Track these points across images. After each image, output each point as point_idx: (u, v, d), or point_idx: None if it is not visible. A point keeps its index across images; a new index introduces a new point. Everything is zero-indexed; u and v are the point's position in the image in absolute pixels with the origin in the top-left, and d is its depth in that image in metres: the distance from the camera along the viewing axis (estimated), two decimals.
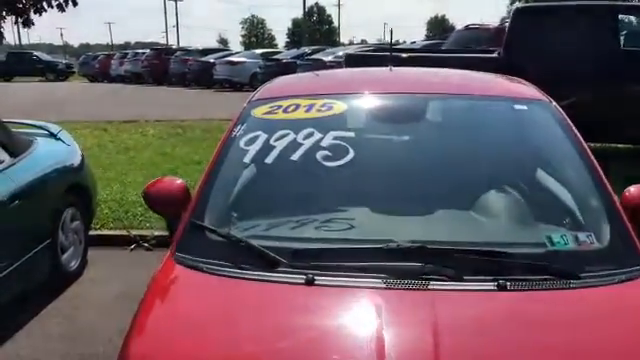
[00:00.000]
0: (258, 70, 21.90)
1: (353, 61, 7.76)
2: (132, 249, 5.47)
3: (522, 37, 7.58)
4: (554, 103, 2.52)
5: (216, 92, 22.85)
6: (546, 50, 7.30)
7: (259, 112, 2.47)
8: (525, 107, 2.47)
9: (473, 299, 1.71)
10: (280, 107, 2.46)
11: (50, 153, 4.73)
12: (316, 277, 1.78)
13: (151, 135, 10.47)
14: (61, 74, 35.97)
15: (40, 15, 11.44)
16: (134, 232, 5.61)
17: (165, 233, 5.65)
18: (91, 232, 5.32)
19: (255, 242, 1.91)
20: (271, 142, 2.28)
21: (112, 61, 33.33)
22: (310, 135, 2.28)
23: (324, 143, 2.25)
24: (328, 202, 2.18)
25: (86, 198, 5.03)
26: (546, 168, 2.30)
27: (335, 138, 2.27)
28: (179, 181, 2.43)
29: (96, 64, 34.82)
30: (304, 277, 1.78)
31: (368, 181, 2.22)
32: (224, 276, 1.84)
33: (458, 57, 8.08)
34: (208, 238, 2.00)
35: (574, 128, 2.36)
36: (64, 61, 41.32)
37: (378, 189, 2.21)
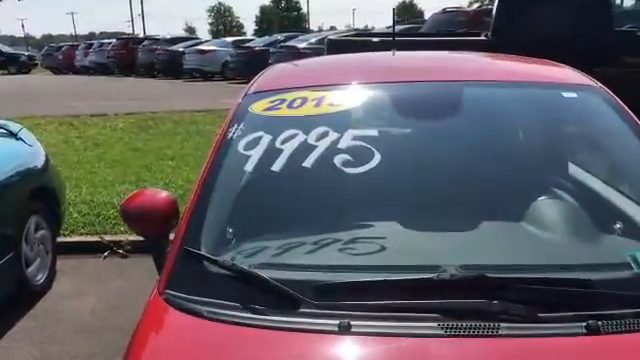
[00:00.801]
0: (229, 59, 21.40)
1: (335, 47, 7.34)
2: (105, 257, 5.00)
3: (510, 18, 7.27)
4: (604, 88, 2.15)
5: (186, 82, 22.25)
6: (536, 31, 6.98)
7: (259, 108, 2.06)
8: (574, 94, 2.08)
9: (562, 349, 1.33)
10: (284, 101, 2.04)
11: (10, 155, 4.25)
12: (352, 322, 1.38)
13: (121, 129, 9.93)
14: (23, 67, 34.81)
15: None
16: (107, 238, 5.15)
17: (140, 238, 5.27)
18: (60, 239, 4.86)
19: (266, 273, 1.50)
20: (277, 145, 1.87)
21: (76, 52, 32.35)
22: (324, 135, 1.88)
23: (342, 145, 1.85)
24: (351, 217, 1.78)
25: (52, 203, 4.57)
26: (608, 167, 1.93)
27: (355, 138, 1.86)
28: (164, 193, 2.00)
29: (60, 55, 33.76)
30: (337, 322, 1.38)
31: (398, 190, 1.83)
32: (230, 323, 1.43)
33: (445, 41, 7.72)
34: (206, 270, 1.59)
35: (634, 117, 1.99)
36: (26, 53, 40.03)
37: (410, 200, 1.81)
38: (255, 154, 1.86)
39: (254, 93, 2.18)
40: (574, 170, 1.98)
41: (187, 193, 6.23)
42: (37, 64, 36.36)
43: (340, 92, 2.06)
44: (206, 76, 22.56)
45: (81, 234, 5.30)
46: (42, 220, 4.36)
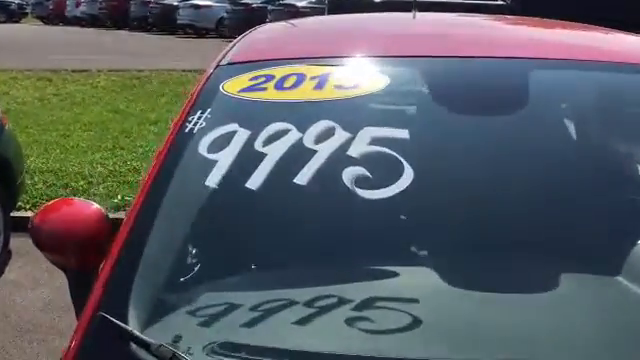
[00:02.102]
0: (225, 15, 20.54)
1: (338, 6, 6.62)
2: None
3: None
4: None
5: (179, 38, 21.38)
6: None
7: (234, 87, 1.43)
8: None
9: None
10: (271, 78, 1.41)
11: None
12: None
13: (102, 87, 9.23)
14: (13, 15, 33.68)
15: None
16: None
17: (114, 216, 4.67)
18: (19, 213, 4.28)
19: None
20: (257, 146, 1.26)
21: (67, 2, 31.18)
22: (328, 134, 1.26)
23: (355, 151, 1.23)
24: (366, 265, 1.17)
25: (5, 176, 3.94)
26: None
27: (375, 141, 1.24)
28: (94, 207, 1.39)
29: (50, 5, 32.58)
30: None
31: (441, 226, 1.21)
32: None
33: (455, 4, 7.00)
34: (130, 355, 0.99)
35: None
36: (17, 1, 38.72)
37: (458, 241, 1.20)
38: (224, 160, 1.24)
39: (229, 64, 1.54)
40: None
41: None
42: (27, 13, 35.18)
43: (353, 68, 1.43)
44: (200, 33, 21.69)
45: None
46: None
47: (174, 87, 9.25)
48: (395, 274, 1.17)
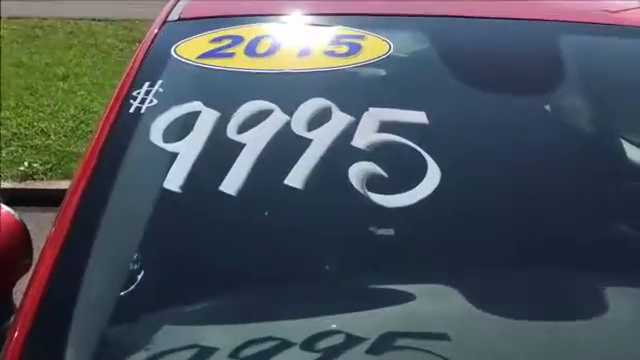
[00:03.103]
0: None
1: None
2: None
3: None
4: None
5: None
6: None
7: (190, 51, 1.09)
8: None
9: None
10: (239, 41, 1.09)
11: None
12: None
13: (1, 37, 8.37)
14: None
15: None
16: None
17: (20, 186, 4.18)
18: None
19: None
20: (230, 134, 0.95)
21: None
22: (324, 117, 0.97)
23: (361, 141, 0.94)
24: (384, 290, 0.91)
25: None
26: None
27: (384, 127, 0.96)
28: (4, 209, 1.05)
29: None
30: None
31: (482, 243, 0.94)
32: None
33: None
34: None
35: None
36: None
37: (503, 261, 0.94)
38: (187, 153, 0.92)
39: (180, 20, 1.20)
40: None
41: (80, 127, 5.14)
42: None
43: (346, 28, 1.13)
44: None
45: None
46: None
47: (83, 38, 8.50)
48: (421, 309, 0.90)
